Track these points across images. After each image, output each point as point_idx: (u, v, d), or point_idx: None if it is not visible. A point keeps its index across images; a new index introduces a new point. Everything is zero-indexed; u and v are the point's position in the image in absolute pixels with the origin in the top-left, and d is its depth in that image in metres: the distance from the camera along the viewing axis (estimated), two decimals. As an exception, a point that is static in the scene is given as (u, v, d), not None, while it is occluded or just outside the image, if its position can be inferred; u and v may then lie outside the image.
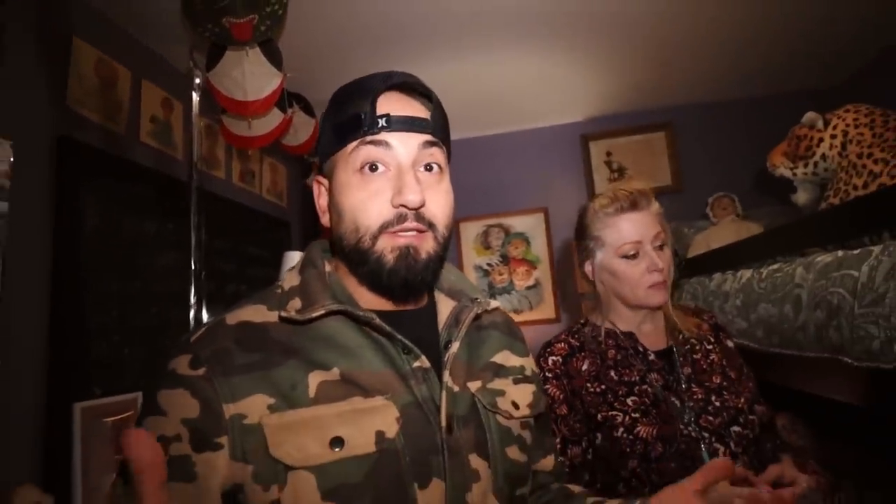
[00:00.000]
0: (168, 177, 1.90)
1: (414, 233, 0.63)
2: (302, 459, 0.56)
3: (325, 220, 0.71)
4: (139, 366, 1.67)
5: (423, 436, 0.61)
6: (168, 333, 1.79)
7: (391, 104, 0.65)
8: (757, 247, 1.54)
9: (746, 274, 1.47)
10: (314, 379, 0.60)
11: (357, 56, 2.10)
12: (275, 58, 1.52)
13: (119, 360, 1.61)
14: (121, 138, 1.74)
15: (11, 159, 1.30)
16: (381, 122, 0.63)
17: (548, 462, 0.80)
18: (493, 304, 0.76)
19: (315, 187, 0.73)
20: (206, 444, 0.56)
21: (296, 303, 0.64)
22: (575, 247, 1.23)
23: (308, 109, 2.09)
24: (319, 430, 0.58)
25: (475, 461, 0.64)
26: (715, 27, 2.13)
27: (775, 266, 1.33)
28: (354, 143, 0.64)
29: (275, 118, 1.76)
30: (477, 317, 0.73)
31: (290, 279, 0.70)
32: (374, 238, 0.63)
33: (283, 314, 0.63)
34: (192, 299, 1.52)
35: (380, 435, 0.59)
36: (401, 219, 0.63)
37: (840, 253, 1.06)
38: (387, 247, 0.63)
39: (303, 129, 2.09)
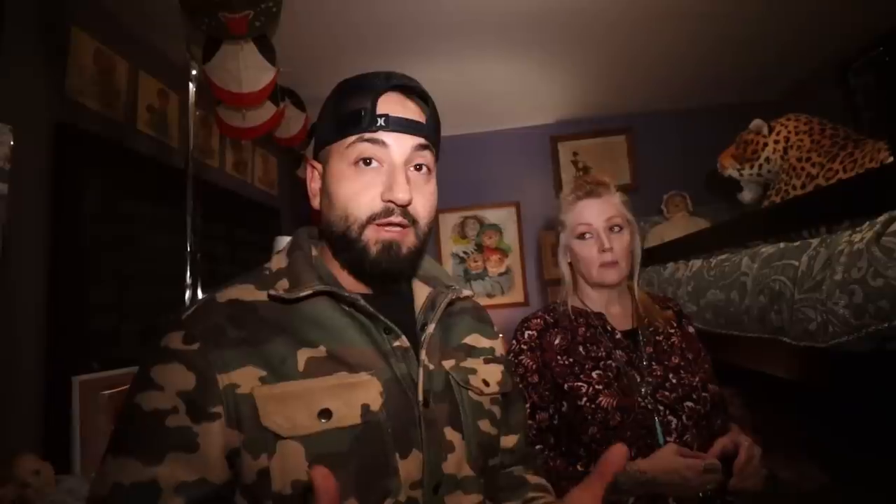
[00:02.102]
0: (164, 164, 1.83)
1: (398, 228, 0.63)
2: (291, 429, 0.55)
3: (315, 202, 0.70)
4: (136, 342, 1.61)
5: (402, 409, 0.61)
6: (164, 311, 1.73)
7: (390, 105, 0.64)
8: (707, 239, 1.57)
9: (697, 263, 1.50)
10: (302, 355, 0.59)
11: (345, 56, 2.05)
12: (269, 52, 1.47)
13: (116, 337, 1.56)
14: (119, 126, 1.66)
15: (11, 143, 1.23)
16: (380, 122, 0.62)
17: (510, 440, 0.79)
18: (466, 292, 0.77)
19: (308, 171, 0.71)
20: (204, 415, 0.54)
21: (283, 283, 0.63)
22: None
23: (299, 104, 2.04)
24: (308, 402, 0.57)
25: (450, 433, 0.65)
26: (672, 44, 2.16)
27: (724, 256, 1.35)
28: (353, 138, 0.63)
29: (267, 111, 1.71)
30: (450, 303, 0.73)
31: (277, 261, 0.68)
32: (362, 228, 0.63)
33: (272, 292, 0.62)
34: (188, 280, 1.48)
35: (365, 408, 0.59)
36: (388, 213, 0.62)
37: (782, 244, 1.09)
38: (372, 238, 0.63)
39: (294, 123, 2.03)
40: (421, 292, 0.73)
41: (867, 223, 0.83)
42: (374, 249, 0.63)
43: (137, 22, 1.73)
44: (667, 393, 1.02)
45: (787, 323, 1.01)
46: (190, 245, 1.48)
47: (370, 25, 1.87)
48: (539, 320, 1.14)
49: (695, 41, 2.16)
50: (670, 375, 1.05)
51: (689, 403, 1.01)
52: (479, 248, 3.05)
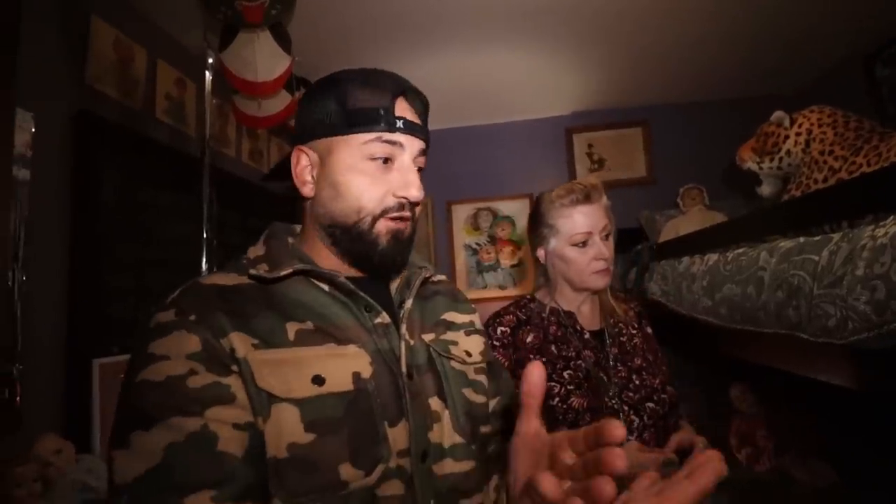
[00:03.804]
0: (181, 152, 1.85)
1: (406, 221, 0.68)
2: (286, 391, 0.56)
3: (306, 189, 0.69)
4: (137, 328, 1.64)
5: (388, 382, 0.63)
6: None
7: (404, 108, 0.68)
8: (724, 233, 1.54)
9: (713, 258, 1.47)
10: (291, 327, 0.61)
11: (359, 46, 2.04)
12: (284, 41, 1.46)
13: (134, 322, 1.58)
14: (137, 114, 1.68)
15: (33, 129, 1.25)
16: (399, 124, 0.66)
17: (498, 404, 0.80)
18: (440, 277, 0.82)
19: (297, 156, 0.70)
20: (226, 370, 0.55)
21: (263, 266, 0.65)
22: (528, 232, 1.23)
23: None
24: (301, 368, 0.58)
25: (435, 403, 0.67)
26: (689, 35, 2.11)
27: (741, 250, 1.32)
28: (371, 136, 0.65)
29: (283, 100, 1.71)
30: (424, 282, 0.76)
31: (254, 250, 0.70)
32: (375, 220, 0.66)
33: (252, 272, 0.64)
34: (204, 266, 1.49)
35: (356, 375, 0.60)
36: (400, 207, 0.67)
37: (802, 239, 1.06)
38: (383, 230, 0.67)
39: (309, 113, 2.03)
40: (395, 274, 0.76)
41: (892, 217, 0.81)
42: (384, 240, 0.67)
43: (155, 10, 1.74)
44: (631, 394, 1.04)
45: (804, 319, 0.99)
46: (206, 233, 1.50)
47: (384, 15, 1.85)
48: (511, 317, 1.14)
49: (713, 33, 2.10)
50: (633, 377, 1.07)
51: (651, 404, 1.04)
52: (492, 239, 3.04)
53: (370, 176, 0.66)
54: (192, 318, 0.57)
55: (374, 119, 0.65)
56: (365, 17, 1.86)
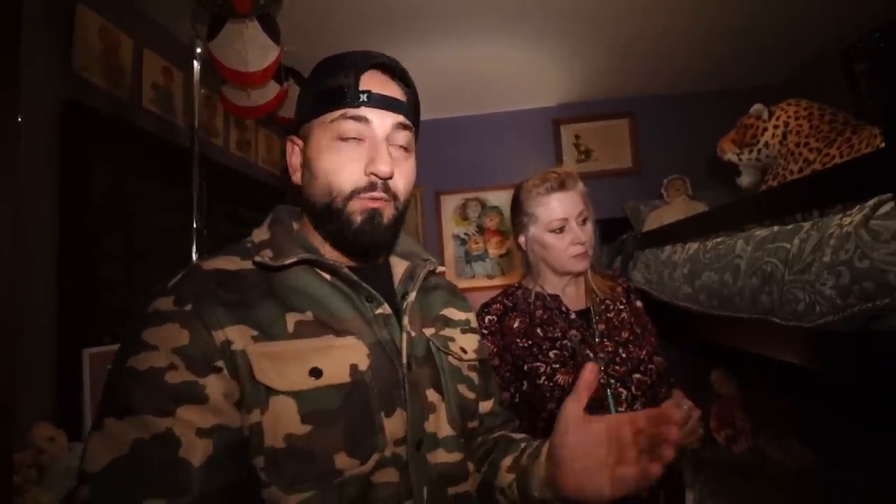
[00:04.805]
0: (170, 142, 1.84)
1: (380, 200, 0.66)
2: (285, 384, 0.57)
3: (296, 177, 0.72)
4: (134, 311, 1.65)
5: (387, 372, 0.64)
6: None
7: (372, 82, 0.66)
8: (704, 222, 1.59)
9: (694, 246, 1.52)
10: (291, 318, 0.61)
11: (347, 36, 2.04)
12: (273, 31, 1.46)
13: (125, 311, 1.59)
14: (125, 103, 1.67)
15: (20, 119, 1.24)
16: (363, 98, 0.64)
17: (488, 404, 0.84)
18: (441, 268, 0.81)
19: (289, 146, 0.72)
20: (207, 368, 0.55)
21: (267, 252, 0.65)
22: (511, 220, 1.26)
23: (302, 84, 2.03)
24: (299, 360, 0.59)
25: (431, 395, 0.68)
26: (675, 28, 2.14)
27: (720, 239, 1.37)
28: (336, 114, 0.65)
29: (272, 90, 1.71)
30: (426, 276, 0.76)
31: (259, 234, 0.70)
32: (346, 200, 0.65)
33: (258, 259, 0.64)
34: (194, 257, 1.50)
35: (353, 367, 0.61)
36: (371, 187, 0.65)
37: (776, 228, 1.11)
38: (356, 209, 0.65)
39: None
40: (398, 266, 0.77)
41: (857, 207, 0.85)
42: (357, 219, 0.65)
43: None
44: (618, 367, 1.08)
45: (776, 304, 1.03)
46: (196, 222, 1.50)
47: (373, 5, 1.86)
48: (498, 305, 1.18)
49: (697, 26, 2.14)
50: (620, 350, 1.11)
51: (638, 375, 1.08)
52: (481, 229, 3.07)
53: (340, 155, 0.65)
54: (189, 307, 0.57)
55: (338, 96, 0.64)
56: (354, 7, 1.86)
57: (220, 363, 0.56)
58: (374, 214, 0.66)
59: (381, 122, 0.66)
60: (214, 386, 0.55)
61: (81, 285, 1.43)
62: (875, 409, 1.76)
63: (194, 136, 1.50)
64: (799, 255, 0.96)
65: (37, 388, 1.31)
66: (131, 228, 1.66)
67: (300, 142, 0.70)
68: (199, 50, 1.49)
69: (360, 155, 0.65)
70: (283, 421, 0.56)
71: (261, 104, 1.71)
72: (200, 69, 1.52)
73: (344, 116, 0.64)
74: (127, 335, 0.58)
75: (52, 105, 1.39)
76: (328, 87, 0.65)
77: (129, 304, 1.60)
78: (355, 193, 0.65)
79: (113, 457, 0.51)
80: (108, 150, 1.56)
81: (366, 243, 0.67)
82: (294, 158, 0.72)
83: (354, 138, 0.65)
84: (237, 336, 0.57)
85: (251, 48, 1.40)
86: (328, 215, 0.66)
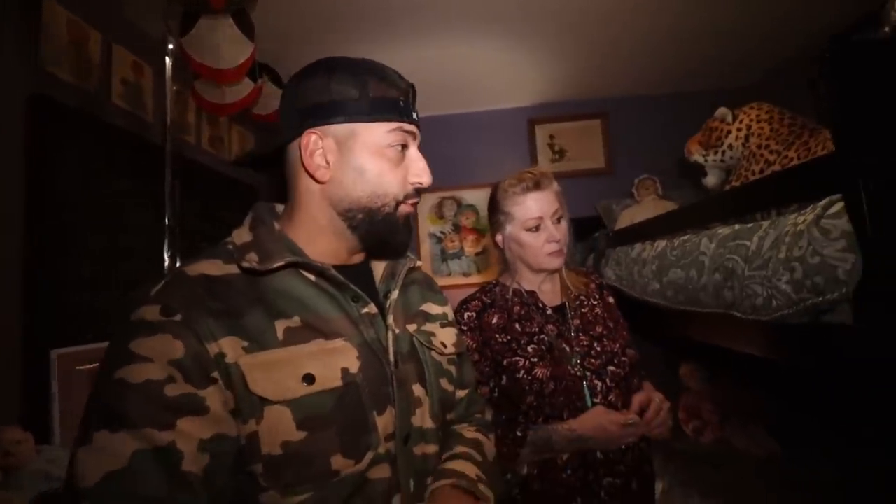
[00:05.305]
0: (140, 138, 1.80)
1: (414, 207, 0.74)
2: (279, 394, 0.58)
3: (322, 173, 0.68)
4: (114, 317, 1.61)
5: (376, 371, 0.66)
6: (141, 286, 1.73)
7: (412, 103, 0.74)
8: (672, 221, 1.64)
9: (662, 244, 1.57)
10: (280, 325, 0.62)
11: (323, 34, 2.03)
12: (247, 28, 1.45)
13: (94, 311, 1.55)
14: (93, 98, 1.63)
15: (-19, 113, 1.21)
16: (415, 115, 0.72)
17: (461, 393, 0.87)
18: (419, 262, 0.84)
19: (312, 141, 0.68)
20: (206, 380, 0.55)
21: (252, 256, 0.64)
22: (488, 219, 1.30)
23: (277, 81, 2.02)
24: (291, 368, 0.59)
25: (417, 390, 0.71)
26: (649, 30, 2.20)
27: (686, 237, 1.42)
28: (394, 125, 0.69)
29: (245, 87, 1.70)
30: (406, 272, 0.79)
31: (240, 235, 0.69)
32: (398, 205, 0.70)
33: (245, 264, 0.63)
34: (166, 254, 1.48)
35: (345, 371, 0.62)
36: (414, 194, 0.73)
37: (737, 226, 1.16)
38: (402, 214, 0.71)
39: (272, 100, 2.02)
40: (378, 264, 0.79)
41: (811, 206, 0.90)
42: (401, 223, 0.72)
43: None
44: (593, 360, 1.12)
45: (738, 299, 1.08)
46: (168, 220, 1.48)
47: (349, 4, 1.85)
48: (477, 302, 1.21)
49: (671, 28, 2.20)
50: (595, 344, 1.15)
51: (612, 368, 1.12)
52: (457, 228, 3.09)
53: (391, 162, 0.70)
54: (178, 318, 0.56)
55: (395, 109, 0.69)
56: (329, 5, 1.85)
57: (215, 374, 0.56)
58: (409, 218, 0.73)
59: (418, 137, 0.74)
60: (213, 397, 0.55)
61: (48, 284, 1.40)
62: (836, 400, 1.85)
63: (166, 133, 1.47)
64: (758, 252, 1.01)
65: (2, 391, 1.27)
66: (100, 226, 1.62)
67: (328, 138, 0.68)
68: (171, 46, 1.47)
69: (403, 164, 0.71)
70: (278, 429, 0.57)
71: (235, 101, 1.69)
72: (172, 65, 1.49)
73: (401, 129, 0.70)
74: (112, 346, 0.57)
75: (18, 99, 1.35)
76: (384, 98, 0.69)
77: (98, 303, 1.57)
78: (406, 199, 0.71)
79: (107, 470, 0.49)
80: (76, 146, 1.52)
81: (403, 247, 0.74)
82: (315, 153, 0.68)
83: (401, 147, 0.71)
84: (229, 348, 0.57)
85: (225, 45, 1.39)
86: (370, 215, 0.69)
